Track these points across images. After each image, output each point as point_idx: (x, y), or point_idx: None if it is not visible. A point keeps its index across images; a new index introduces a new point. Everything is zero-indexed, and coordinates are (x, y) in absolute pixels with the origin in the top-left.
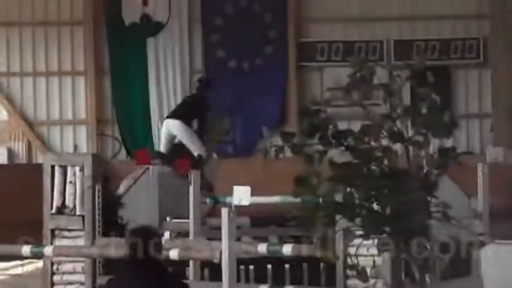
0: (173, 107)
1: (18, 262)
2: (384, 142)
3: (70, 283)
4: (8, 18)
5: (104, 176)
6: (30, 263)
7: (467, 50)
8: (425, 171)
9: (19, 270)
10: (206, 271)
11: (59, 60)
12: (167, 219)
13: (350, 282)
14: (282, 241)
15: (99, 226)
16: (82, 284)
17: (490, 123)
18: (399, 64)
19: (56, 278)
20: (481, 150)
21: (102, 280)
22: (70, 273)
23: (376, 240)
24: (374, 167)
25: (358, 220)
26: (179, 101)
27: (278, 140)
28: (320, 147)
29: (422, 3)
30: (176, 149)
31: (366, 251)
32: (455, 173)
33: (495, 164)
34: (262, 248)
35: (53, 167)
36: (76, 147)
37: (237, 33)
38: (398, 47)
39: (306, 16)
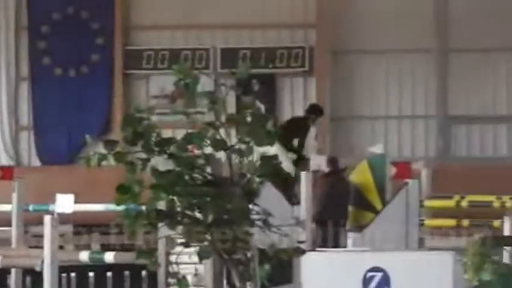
0: None
1: None
2: (208, 150)
3: None
4: None
5: None
6: None
7: (293, 59)
8: (246, 179)
9: None
10: (28, 279)
11: None
12: None
13: None
14: (105, 249)
15: None
16: None
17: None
18: (225, 72)
19: None
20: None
21: None
22: None
23: (197, 248)
24: (196, 175)
25: (180, 228)
26: (4, 108)
27: (101, 148)
28: (143, 155)
29: (248, 12)
30: None
31: (188, 259)
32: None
33: (318, 171)
34: (84, 255)
35: None
36: None
37: (64, 40)
38: (224, 55)
39: (134, 23)
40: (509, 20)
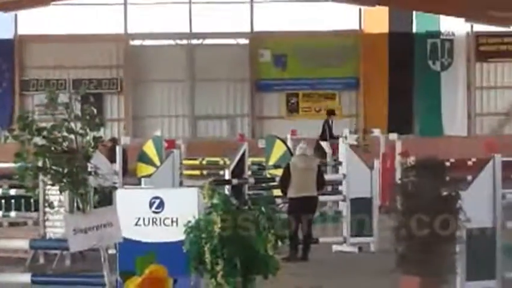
0: None
1: None
2: (65, 133)
3: None
4: None
5: None
6: None
7: (112, 85)
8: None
9: None
10: None
11: None
12: None
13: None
14: (11, 187)
15: None
16: None
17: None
18: (74, 92)
19: None
20: None
21: None
22: None
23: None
24: (58, 147)
25: (49, 176)
26: None
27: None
28: (29, 136)
29: (87, 57)
30: None
31: (55, 192)
32: None
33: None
34: None
35: None
36: None
37: None
38: (75, 82)
39: (26, 65)
40: None
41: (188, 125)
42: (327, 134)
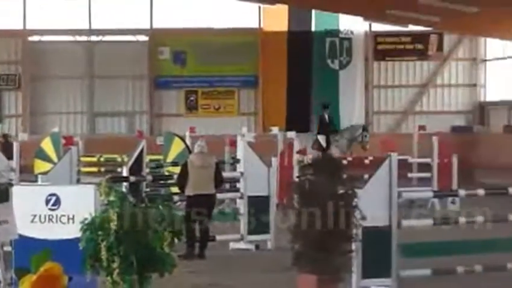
0: None
1: None
2: None
3: None
4: None
5: None
6: None
7: (11, 82)
8: None
9: None
10: None
11: None
12: None
13: None
14: None
15: None
16: None
17: None
18: None
19: None
20: None
21: None
22: None
23: None
24: None
25: None
26: None
27: None
28: None
29: None
30: None
31: None
32: None
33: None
34: None
35: None
36: None
37: None
38: None
39: None
40: None
41: (86, 122)
42: (323, 127)
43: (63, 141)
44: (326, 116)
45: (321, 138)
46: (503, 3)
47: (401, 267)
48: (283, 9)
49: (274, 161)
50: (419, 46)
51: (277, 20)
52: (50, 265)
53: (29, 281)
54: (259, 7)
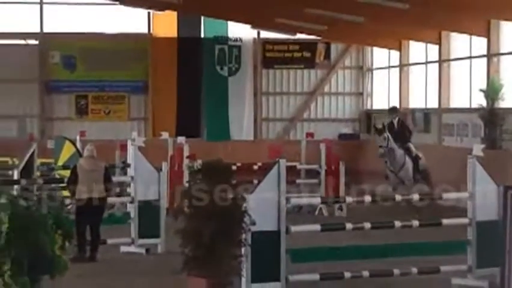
0: None
1: None
2: None
3: None
4: None
5: None
6: None
7: None
8: None
9: None
10: None
11: None
12: None
13: None
14: None
15: None
16: None
17: None
18: None
19: None
20: None
21: None
22: None
23: None
24: None
25: None
26: None
27: None
28: None
29: None
30: None
31: None
32: None
33: None
34: None
35: None
36: None
37: None
38: None
39: None
40: None
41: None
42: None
43: None
44: (395, 122)
45: (411, 146)
46: (386, 15)
47: (290, 271)
48: (172, 15)
49: (165, 166)
50: (307, 54)
51: (167, 26)
52: None
53: None
54: (149, 13)
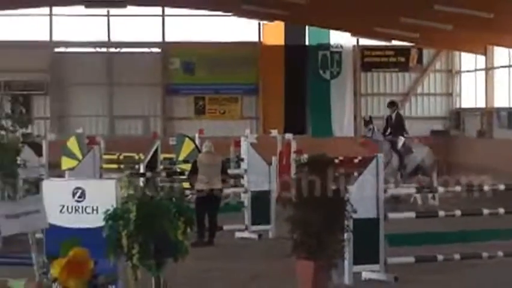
0: None
1: None
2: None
3: None
4: None
5: None
6: None
7: (38, 86)
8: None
9: None
10: None
11: None
12: None
13: None
14: None
15: None
16: None
17: None
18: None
19: None
20: None
21: None
22: None
23: None
24: None
25: None
26: None
27: None
28: None
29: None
30: None
31: None
32: None
33: None
34: None
35: None
36: None
37: None
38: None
39: None
40: None
41: (107, 124)
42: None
43: (87, 140)
44: (393, 115)
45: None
46: (472, 23)
47: (388, 254)
48: (280, 25)
49: (274, 160)
50: (401, 59)
51: (276, 35)
52: (78, 251)
53: (60, 264)
54: (259, 23)
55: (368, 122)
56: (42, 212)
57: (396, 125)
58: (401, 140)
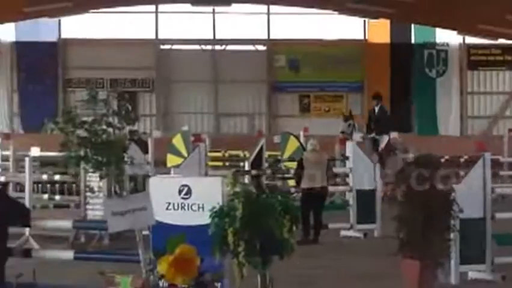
0: None
1: None
2: (104, 127)
3: None
4: None
5: None
6: None
7: (144, 84)
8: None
9: None
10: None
11: None
12: None
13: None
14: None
15: None
16: None
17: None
18: (111, 90)
19: None
20: None
21: None
22: None
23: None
24: (98, 138)
25: (90, 164)
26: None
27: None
28: (71, 128)
29: (124, 62)
30: None
31: (95, 178)
32: None
33: None
34: (45, 176)
35: None
36: None
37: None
38: (112, 82)
39: (69, 66)
40: None
41: (212, 121)
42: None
43: (192, 138)
44: (377, 108)
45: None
46: None
47: (495, 254)
48: (385, 23)
49: (379, 158)
50: (508, 57)
51: (381, 33)
52: (185, 248)
53: (166, 261)
54: (365, 21)
55: (348, 117)
56: (149, 209)
57: (379, 121)
58: (384, 139)
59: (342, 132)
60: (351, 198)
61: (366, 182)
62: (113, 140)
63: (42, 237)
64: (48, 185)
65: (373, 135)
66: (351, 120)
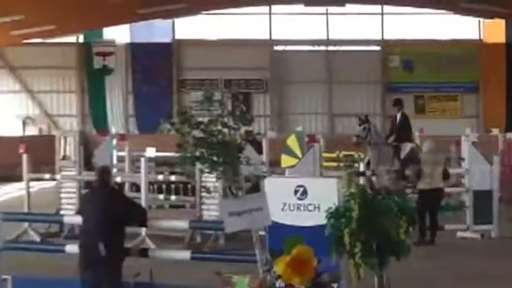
0: None
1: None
2: (219, 127)
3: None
4: None
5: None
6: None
7: (258, 85)
8: (239, 141)
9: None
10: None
11: None
12: None
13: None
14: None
15: (80, 166)
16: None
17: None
18: (226, 91)
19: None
20: None
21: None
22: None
23: (215, 173)
24: (214, 139)
25: (206, 164)
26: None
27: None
28: (188, 129)
29: (235, 60)
30: None
31: (210, 179)
32: None
33: None
34: (160, 177)
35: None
36: None
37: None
38: (226, 83)
39: (184, 67)
40: None
41: (326, 122)
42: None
43: (306, 138)
44: (398, 115)
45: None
46: None
47: None
48: (501, 23)
49: (496, 160)
50: None
51: (496, 32)
52: (302, 248)
53: (283, 261)
54: (479, 21)
55: (364, 121)
56: (265, 209)
57: (400, 128)
58: (407, 146)
59: (357, 136)
60: (467, 199)
61: (483, 182)
62: (228, 140)
63: (158, 237)
64: (164, 186)
65: (391, 140)
66: (367, 124)
